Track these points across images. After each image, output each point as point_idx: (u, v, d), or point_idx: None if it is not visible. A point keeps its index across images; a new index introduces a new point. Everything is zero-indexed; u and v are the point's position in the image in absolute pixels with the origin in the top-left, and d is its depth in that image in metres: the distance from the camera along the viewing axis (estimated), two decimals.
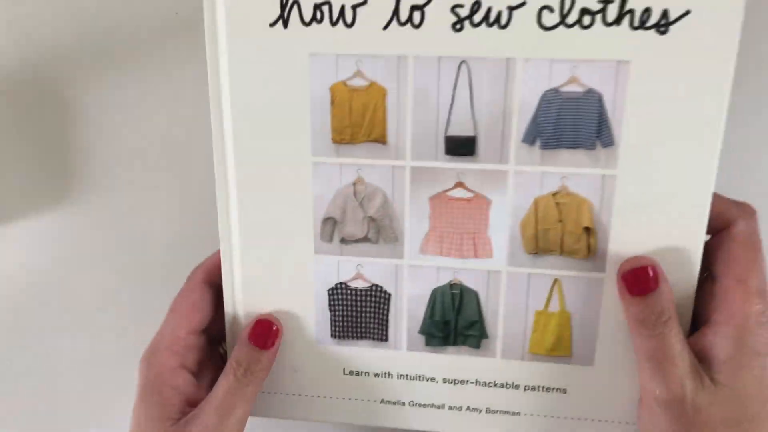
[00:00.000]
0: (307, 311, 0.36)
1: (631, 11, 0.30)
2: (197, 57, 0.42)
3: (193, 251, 0.44)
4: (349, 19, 0.31)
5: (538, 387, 0.36)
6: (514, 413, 0.36)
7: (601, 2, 0.30)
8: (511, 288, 0.35)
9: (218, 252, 0.37)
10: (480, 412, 0.37)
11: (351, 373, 0.37)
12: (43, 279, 0.47)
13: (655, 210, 0.32)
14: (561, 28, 0.30)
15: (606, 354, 0.35)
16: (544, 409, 0.36)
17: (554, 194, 0.33)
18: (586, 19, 0.30)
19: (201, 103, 0.42)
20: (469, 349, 0.36)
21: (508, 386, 0.36)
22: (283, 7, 0.32)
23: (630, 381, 0.35)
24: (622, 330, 0.34)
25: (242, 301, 0.36)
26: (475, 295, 0.35)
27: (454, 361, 0.36)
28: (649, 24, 0.30)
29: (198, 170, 0.45)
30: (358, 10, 0.31)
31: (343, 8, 0.31)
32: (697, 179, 0.31)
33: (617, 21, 0.30)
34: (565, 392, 0.36)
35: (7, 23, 0.44)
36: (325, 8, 0.31)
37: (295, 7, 0.32)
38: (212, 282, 0.37)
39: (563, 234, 0.33)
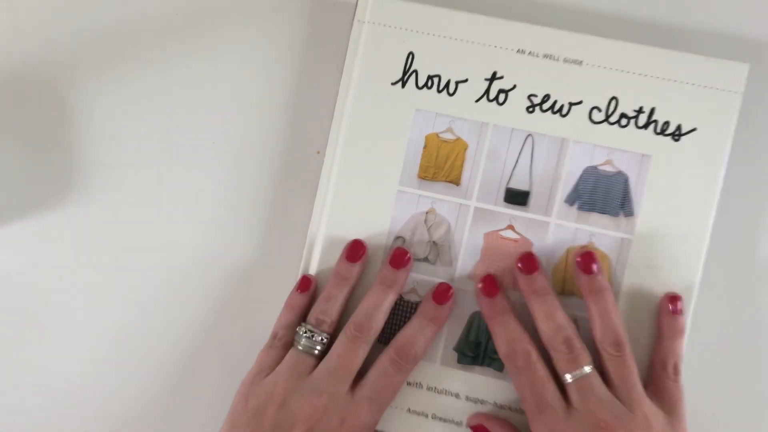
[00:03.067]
0: None
1: (655, 121, 0.41)
2: (197, 57, 0.46)
3: (193, 251, 0.46)
4: (451, 90, 0.43)
5: None
6: None
7: (636, 112, 0.42)
8: None
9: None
10: None
11: None
12: (43, 279, 0.47)
13: (659, 269, 0.41)
14: (605, 124, 0.42)
15: None
16: None
17: (583, 247, 0.42)
18: (623, 121, 0.42)
19: (201, 103, 0.46)
20: (493, 372, 0.42)
21: (522, 412, 0.42)
22: (404, 72, 0.43)
23: None
24: None
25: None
26: None
27: (478, 380, 0.42)
28: (667, 132, 0.41)
29: (198, 170, 0.46)
30: (460, 85, 0.43)
31: (449, 82, 0.43)
32: (692, 247, 0.41)
33: (645, 126, 0.41)
34: None
35: (7, 23, 0.45)
36: (436, 79, 0.43)
37: (414, 75, 0.43)
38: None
39: None
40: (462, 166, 0.43)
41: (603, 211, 0.42)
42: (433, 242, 0.43)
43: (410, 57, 0.43)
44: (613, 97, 0.42)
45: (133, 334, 0.47)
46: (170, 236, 0.47)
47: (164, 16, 0.46)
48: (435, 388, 0.43)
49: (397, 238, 0.43)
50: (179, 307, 0.47)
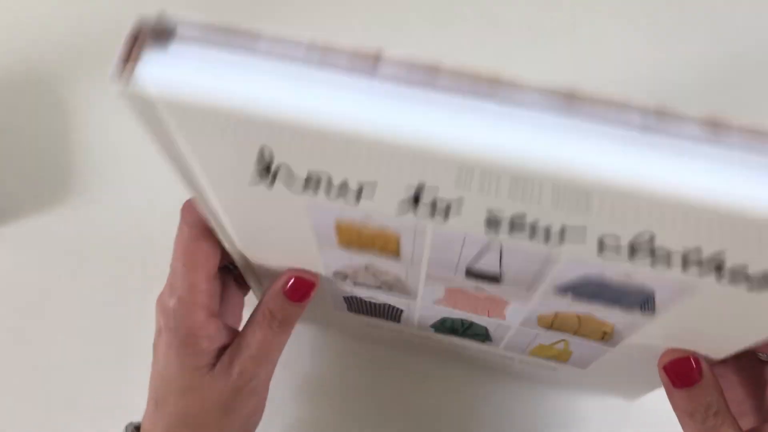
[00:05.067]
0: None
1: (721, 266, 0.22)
2: None
3: None
4: (352, 193, 0.24)
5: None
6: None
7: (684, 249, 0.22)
8: (520, 335, 0.35)
9: None
10: None
11: (370, 325, 0.41)
12: (43, 279, 0.46)
13: (678, 339, 0.30)
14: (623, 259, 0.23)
15: (600, 367, 0.37)
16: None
17: (578, 314, 0.31)
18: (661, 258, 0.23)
19: None
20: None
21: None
22: (263, 171, 0.24)
23: (618, 379, 0.39)
24: (617, 363, 0.36)
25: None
26: (484, 328, 0.36)
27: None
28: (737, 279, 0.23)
29: None
30: (367, 187, 0.24)
31: (345, 183, 0.24)
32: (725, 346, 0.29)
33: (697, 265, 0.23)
34: (555, 370, 0.40)
35: (7, 23, 0.44)
36: (323, 178, 0.24)
37: (283, 171, 0.24)
38: None
39: (579, 327, 0.32)
40: (398, 249, 0.28)
41: (611, 306, 0.28)
42: (382, 281, 0.33)
43: (264, 153, 0.23)
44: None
45: (134, 334, 0.44)
46: (170, 236, 0.41)
47: None
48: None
49: (337, 273, 0.33)
50: None
